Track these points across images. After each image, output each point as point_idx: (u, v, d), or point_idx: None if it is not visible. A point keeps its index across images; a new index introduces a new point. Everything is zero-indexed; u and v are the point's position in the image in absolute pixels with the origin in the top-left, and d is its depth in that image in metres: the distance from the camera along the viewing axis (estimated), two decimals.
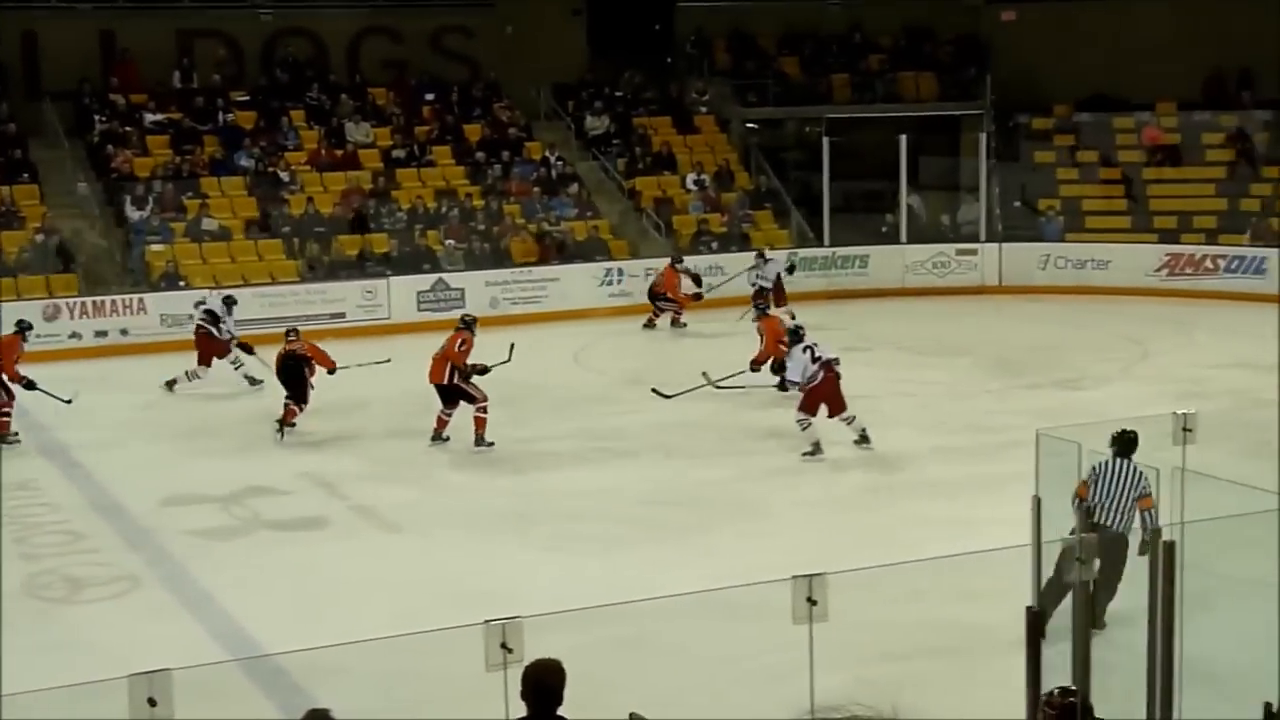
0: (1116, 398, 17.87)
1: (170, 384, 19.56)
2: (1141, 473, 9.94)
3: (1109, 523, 9.89)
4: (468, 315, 17.51)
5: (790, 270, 24.65)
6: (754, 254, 24.70)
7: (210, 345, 19.78)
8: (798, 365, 15.52)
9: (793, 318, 18.92)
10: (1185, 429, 9.04)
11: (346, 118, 28.05)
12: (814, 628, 6.58)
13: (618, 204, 28.25)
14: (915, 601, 10.18)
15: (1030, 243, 27.36)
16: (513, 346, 17.82)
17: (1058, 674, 7.41)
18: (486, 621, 6.36)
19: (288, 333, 17.60)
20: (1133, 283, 25.60)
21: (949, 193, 29.41)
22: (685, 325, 23.75)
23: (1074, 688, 6.55)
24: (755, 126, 30.88)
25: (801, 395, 15.51)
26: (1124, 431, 10.20)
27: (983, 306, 25.56)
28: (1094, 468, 10.06)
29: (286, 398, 16.77)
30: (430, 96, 29.15)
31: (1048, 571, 8.34)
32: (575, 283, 25.58)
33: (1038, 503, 8.61)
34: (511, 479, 15.14)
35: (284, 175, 26.53)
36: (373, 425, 17.53)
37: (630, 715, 6.74)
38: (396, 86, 29.20)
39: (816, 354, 15.43)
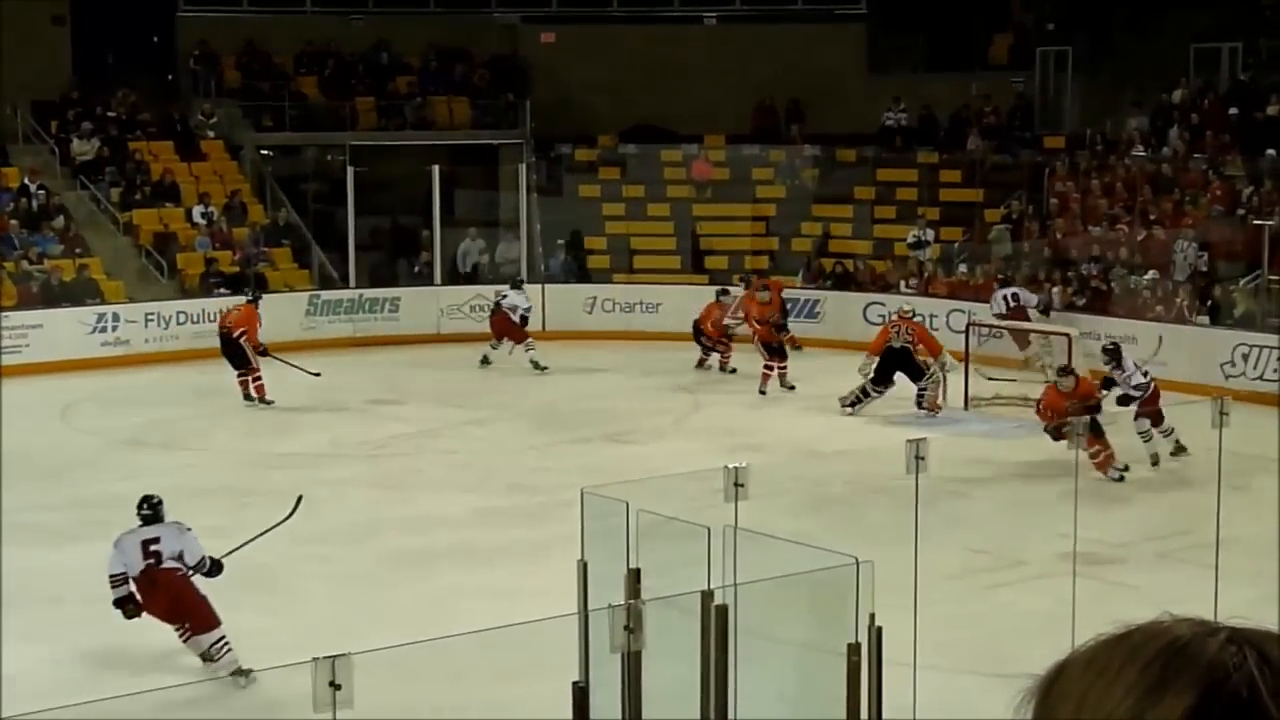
0: (668, 452, 18.45)
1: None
2: None
3: None
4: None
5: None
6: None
7: None
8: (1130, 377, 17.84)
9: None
10: (737, 484, 9.38)
11: None
12: (338, 715, 6.55)
13: (112, 239, 27.48)
14: (452, 682, 10.25)
15: (576, 284, 28.02)
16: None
17: None
18: None
19: None
20: (684, 327, 26.44)
21: (487, 229, 29.79)
22: (734, 371, 23.51)
23: None
24: (270, 153, 30.60)
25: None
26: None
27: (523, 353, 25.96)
28: None
29: None
30: None
31: (595, 641, 8.54)
32: (62, 330, 24.66)
33: (583, 567, 8.82)
34: None
35: None
36: None
37: None
38: None
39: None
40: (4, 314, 24.44)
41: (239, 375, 21.50)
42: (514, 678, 10.13)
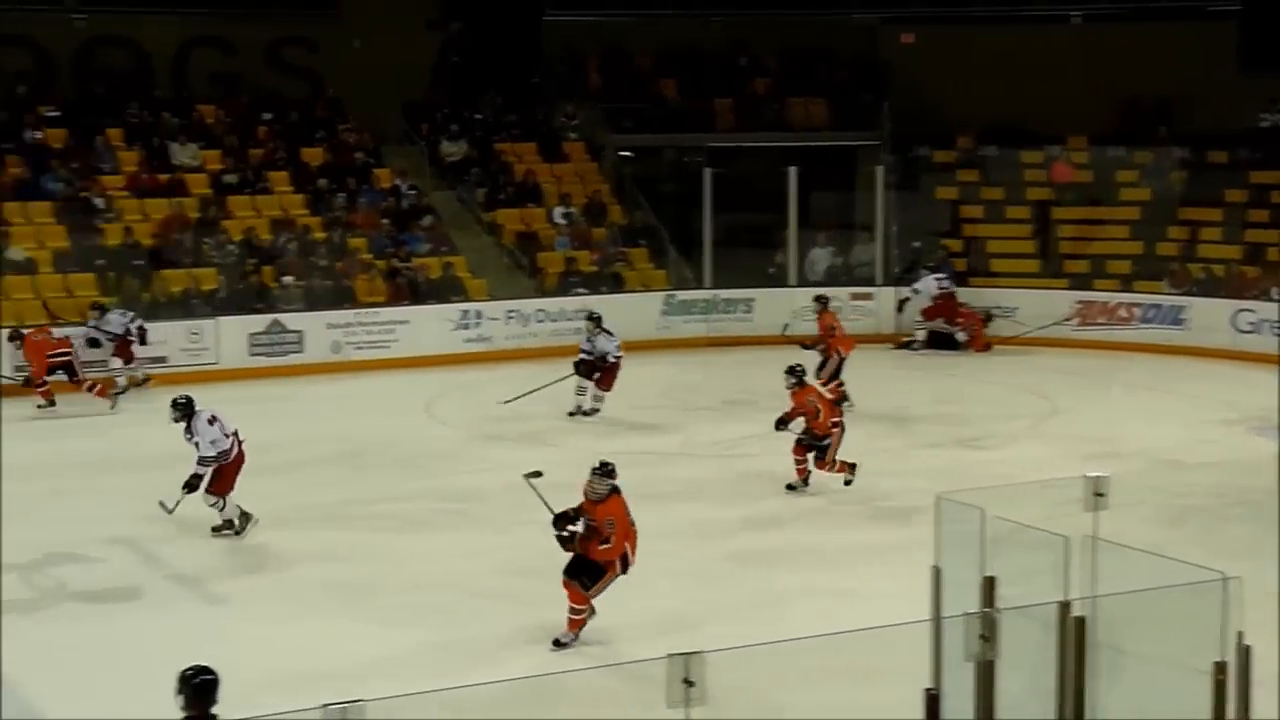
0: (1023, 458, 18.14)
1: None
2: None
3: None
4: None
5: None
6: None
7: None
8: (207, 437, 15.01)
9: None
10: (1097, 493, 9.18)
11: (171, 138, 27.76)
12: (691, 712, 6.60)
13: (476, 239, 28.21)
14: (801, 683, 10.22)
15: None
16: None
17: None
18: (324, 705, 6.35)
19: None
20: (1041, 332, 26.00)
21: (843, 231, 29.69)
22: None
23: None
24: (630, 155, 31.02)
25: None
26: None
27: (877, 356, 25.81)
28: None
29: None
30: (266, 115, 28.96)
31: (949, 648, 8.44)
32: (427, 326, 25.48)
33: (937, 573, 8.71)
34: (349, 544, 15.01)
35: (98, 201, 26.17)
36: None
37: None
38: (228, 104, 28.96)
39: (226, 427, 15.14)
40: (374, 309, 25.39)
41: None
42: (863, 681, 10.05)
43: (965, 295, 26.95)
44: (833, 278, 28.39)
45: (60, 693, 11.05)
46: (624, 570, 12.02)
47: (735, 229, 29.26)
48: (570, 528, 11.96)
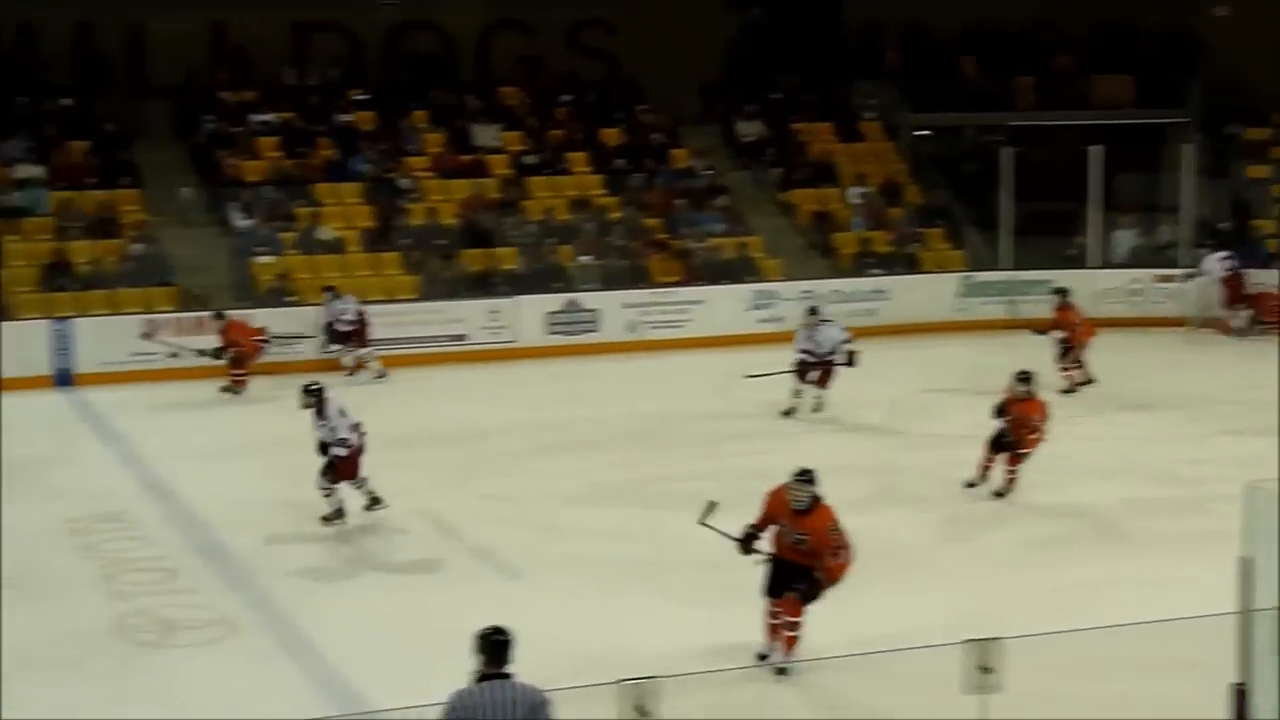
0: None
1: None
2: None
3: None
4: None
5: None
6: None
7: None
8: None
9: None
10: None
11: (473, 120, 28.33)
12: (987, 699, 6.49)
13: (771, 219, 28.19)
14: (1099, 674, 9.99)
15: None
16: None
17: None
18: (619, 681, 6.41)
19: None
20: None
21: (1148, 211, 28.90)
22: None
23: None
24: (928, 134, 30.62)
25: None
26: None
27: (1178, 340, 25.14)
28: None
29: None
30: (566, 97, 29.35)
31: (1258, 642, 8.16)
32: (722, 306, 25.56)
33: (1246, 564, 8.42)
34: (642, 522, 15.14)
35: (404, 182, 26.85)
36: (491, 459, 17.63)
37: None
38: (529, 86, 29.43)
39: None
40: (669, 289, 25.55)
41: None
42: (1165, 673, 9.77)
43: (1275, 278, 26.02)
44: (1137, 259, 27.70)
45: (361, 658, 11.36)
46: None
47: (1034, 209, 28.68)
48: (756, 549, 11.35)
